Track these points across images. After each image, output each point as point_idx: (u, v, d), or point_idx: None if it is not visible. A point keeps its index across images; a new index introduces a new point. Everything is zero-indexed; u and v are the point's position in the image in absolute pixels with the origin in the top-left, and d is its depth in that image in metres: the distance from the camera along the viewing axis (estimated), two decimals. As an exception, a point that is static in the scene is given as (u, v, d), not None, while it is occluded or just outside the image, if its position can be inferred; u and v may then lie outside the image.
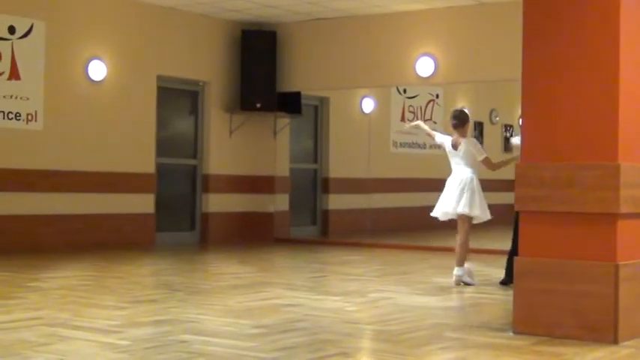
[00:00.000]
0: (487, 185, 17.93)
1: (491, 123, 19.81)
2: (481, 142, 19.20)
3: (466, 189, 9.01)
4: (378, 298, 7.81)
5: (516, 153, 8.58)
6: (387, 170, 16.61)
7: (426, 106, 17.86)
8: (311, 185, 15.64)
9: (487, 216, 9.07)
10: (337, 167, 15.69)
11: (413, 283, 9.05)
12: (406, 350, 5.49)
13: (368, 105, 16.29)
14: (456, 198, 9.03)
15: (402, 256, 12.04)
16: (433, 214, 9.30)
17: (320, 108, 15.61)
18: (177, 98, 13.91)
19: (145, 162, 12.93)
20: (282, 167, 14.71)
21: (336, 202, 15.64)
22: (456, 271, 8.88)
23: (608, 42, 5.86)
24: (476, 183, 9.07)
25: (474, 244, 9.74)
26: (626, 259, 5.83)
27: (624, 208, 5.80)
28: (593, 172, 5.85)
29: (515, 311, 6.10)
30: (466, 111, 9.43)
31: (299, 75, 14.20)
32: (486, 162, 9.09)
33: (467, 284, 8.82)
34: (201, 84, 13.92)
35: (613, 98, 5.83)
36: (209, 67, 13.88)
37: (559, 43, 6.05)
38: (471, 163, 9.12)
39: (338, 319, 6.60)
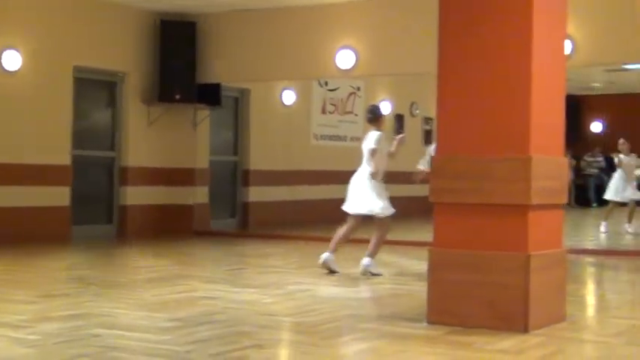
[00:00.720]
0: (405, 177, 18.10)
1: (412, 115, 20.00)
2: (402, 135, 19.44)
3: (365, 187, 9.07)
4: (296, 291, 7.81)
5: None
6: (307, 162, 16.62)
7: (347, 99, 17.93)
8: (231, 177, 15.56)
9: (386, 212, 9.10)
10: (257, 159, 15.64)
11: (331, 275, 9.06)
12: (321, 341, 5.51)
13: (289, 97, 16.27)
14: (360, 196, 9.07)
15: (322, 249, 12.00)
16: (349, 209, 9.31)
17: (240, 100, 15.53)
18: (95, 89, 13.69)
19: (61, 154, 12.69)
20: (201, 159, 14.61)
21: (257, 194, 15.60)
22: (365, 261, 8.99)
23: (521, 36, 5.94)
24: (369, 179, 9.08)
25: (390, 236, 9.80)
26: (536, 249, 5.93)
27: (535, 200, 5.90)
28: (506, 165, 5.93)
29: (429, 302, 6.16)
30: (379, 105, 9.53)
31: (219, 66, 14.10)
32: (371, 152, 9.12)
33: (373, 274, 8.88)
34: (119, 75, 13.72)
35: (525, 92, 5.92)
36: (127, 57, 13.69)
37: (473, 37, 6.12)
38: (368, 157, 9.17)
39: (254, 312, 6.59)
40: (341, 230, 9.17)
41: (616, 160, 15.31)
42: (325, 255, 9.09)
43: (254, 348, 5.25)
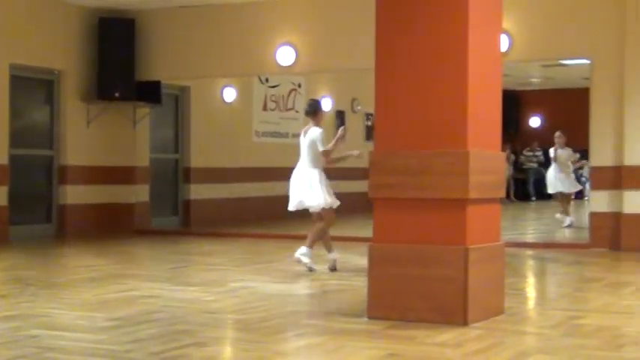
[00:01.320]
0: (344, 174, 18.18)
1: (353, 112, 20.06)
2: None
3: (308, 181, 9.07)
4: (238, 288, 7.80)
5: None
6: (249, 159, 16.58)
7: (288, 96, 17.92)
8: (172, 175, 15.45)
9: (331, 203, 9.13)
10: (199, 157, 15.55)
11: (273, 271, 9.08)
12: (262, 338, 5.51)
13: (229, 94, 16.21)
14: (305, 191, 9.05)
15: (264, 245, 12.05)
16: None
17: (180, 97, 15.43)
18: (32, 87, 13.49)
19: (-2, 153, 12.49)
20: (142, 157, 14.49)
21: (198, 192, 15.52)
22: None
23: (458, 33, 6.00)
24: (318, 174, 9.08)
25: (334, 232, 9.83)
26: (475, 243, 6.00)
27: (473, 194, 5.96)
28: (444, 160, 5.98)
29: (369, 297, 6.19)
30: (319, 100, 9.53)
31: (159, 64, 14.00)
32: (325, 154, 9.12)
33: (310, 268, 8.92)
34: (56, 73, 13.54)
35: (462, 88, 5.97)
36: (65, 55, 13.51)
37: (410, 33, 6.16)
38: (312, 153, 9.13)
39: (195, 310, 6.56)
40: (314, 228, 9.13)
41: (552, 153, 15.51)
42: (301, 250, 9.05)
43: (195, 346, 5.23)
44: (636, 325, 5.98)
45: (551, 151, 15.52)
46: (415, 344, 5.32)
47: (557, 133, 15.47)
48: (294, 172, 9.26)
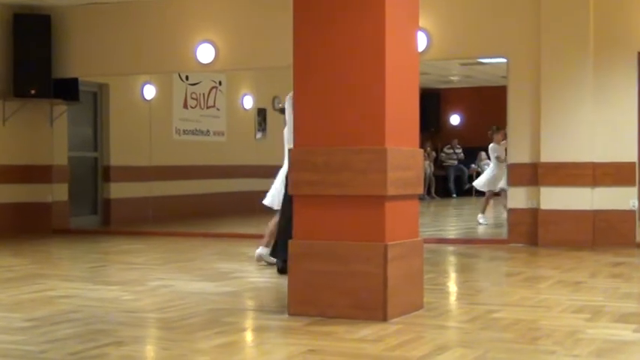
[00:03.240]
0: (265, 171, 18.13)
1: (274, 109, 20.01)
2: (263, 129, 19.50)
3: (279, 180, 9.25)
4: (157, 286, 7.73)
5: None
6: (169, 158, 16.44)
7: (209, 93, 17.82)
8: (91, 174, 15.23)
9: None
10: (118, 155, 15.36)
11: (194, 270, 9.02)
12: (181, 336, 5.47)
13: (149, 92, 16.05)
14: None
15: (185, 244, 11.97)
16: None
17: (99, 94, 15.22)
18: (-55, 84, 13.17)
19: None
20: (60, 156, 14.25)
21: (118, 190, 15.33)
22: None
23: (375, 30, 6.03)
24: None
25: (250, 230, 9.82)
26: (394, 239, 6.05)
27: (391, 191, 6.01)
28: (363, 157, 6.02)
29: (290, 293, 6.20)
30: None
31: (76, 61, 13.79)
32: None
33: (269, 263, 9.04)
34: (-30, 69, 13.25)
35: (380, 85, 6.01)
36: (-21, 51, 13.23)
37: (328, 30, 6.17)
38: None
39: (114, 309, 6.49)
40: (271, 223, 9.13)
41: (497, 151, 14.98)
42: (259, 250, 9.20)
43: (113, 345, 5.17)
44: (551, 319, 6.10)
45: (493, 147, 15.18)
46: (335, 340, 5.34)
47: (495, 127, 14.98)
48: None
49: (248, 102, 19.04)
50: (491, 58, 14.80)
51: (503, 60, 12.14)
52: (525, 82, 11.67)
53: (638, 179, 11.52)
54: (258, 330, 5.86)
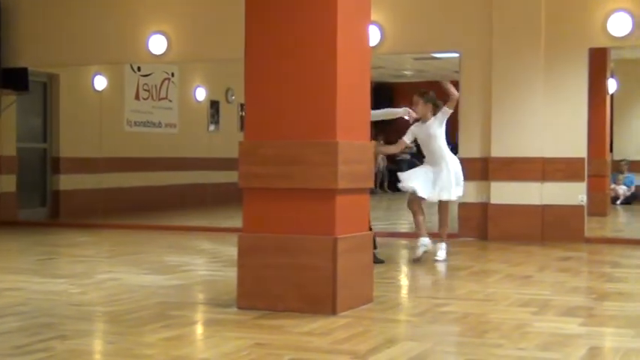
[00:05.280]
0: (222, 164, 18.08)
1: (228, 102, 19.94)
2: (216, 122, 19.41)
3: None
4: (105, 279, 7.65)
5: None
6: (120, 149, 16.28)
7: (161, 85, 17.68)
8: (40, 165, 15.03)
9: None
10: (68, 146, 15.16)
11: (143, 262, 8.94)
12: (128, 330, 5.42)
13: (100, 82, 15.86)
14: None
15: (135, 236, 11.87)
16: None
17: (49, 85, 15.01)
18: None
19: None
20: (8, 147, 14.04)
21: (67, 182, 15.13)
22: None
23: (326, 24, 6.01)
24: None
25: (201, 223, 9.77)
26: (343, 232, 6.04)
27: (342, 184, 6.00)
28: (313, 150, 6.01)
29: (239, 287, 6.17)
30: None
31: (25, 50, 13.58)
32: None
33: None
34: None
35: (331, 78, 6.00)
36: None
37: (280, 22, 6.15)
38: None
39: (61, 302, 6.42)
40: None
41: None
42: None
43: (58, 339, 5.11)
44: (499, 312, 6.14)
45: None
46: (283, 333, 5.32)
47: None
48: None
49: (201, 94, 18.92)
50: (443, 52, 14.88)
51: (456, 55, 12.19)
52: (477, 77, 11.74)
53: (587, 175, 11.66)
54: (206, 323, 5.83)
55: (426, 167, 9.25)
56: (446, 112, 9.12)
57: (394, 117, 9.67)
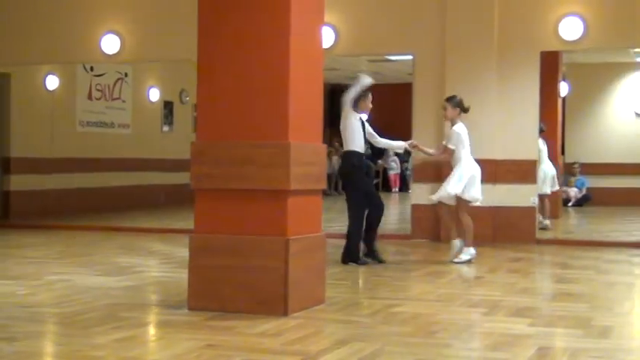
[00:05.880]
0: (171, 165, 17.94)
1: (182, 103, 19.84)
2: (170, 123, 19.31)
3: None
4: (55, 281, 7.58)
5: None
6: (72, 150, 16.11)
7: (114, 85, 17.53)
8: (-10, 165, 14.84)
9: None
10: (19, 147, 14.96)
11: (94, 264, 8.87)
12: (77, 332, 5.37)
13: (52, 82, 15.68)
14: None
15: (86, 238, 11.76)
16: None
17: (0, 84, 14.81)
18: None
19: None
20: (-43, 146, 13.85)
21: (18, 182, 14.93)
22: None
23: (279, 24, 6.02)
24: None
25: (153, 224, 9.71)
26: (295, 234, 6.05)
27: (294, 185, 6.00)
28: (266, 151, 6.01)
29: (190, 288, 6.14)
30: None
31: (-24, 49, 13.42)
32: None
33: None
34: None
35: (283, 80, 6.00)
36: None
37: (233, 23, 6.14)
38: None
39: (8, 304, 6.35)
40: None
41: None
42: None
43: (6, 341, 5.05)
44: (449, 313, 6.18)
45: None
46: (234, 335, 5.31)
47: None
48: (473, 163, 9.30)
49: (154, 94, 18.81)
50: (397, 55, 14.95)
51: (411, 57, 12.24)
52: (431, 80, 11.80)
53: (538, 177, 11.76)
54: (157, 325, 5.80)
55: (472, 171, 9.32)
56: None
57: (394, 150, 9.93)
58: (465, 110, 9.38)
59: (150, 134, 18.48)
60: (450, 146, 9.26)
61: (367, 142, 9.39)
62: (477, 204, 9.54)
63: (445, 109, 9.38)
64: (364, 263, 9.03)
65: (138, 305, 6.42)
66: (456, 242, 9.23)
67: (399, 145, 9.81)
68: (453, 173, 9.28)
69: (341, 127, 9.27)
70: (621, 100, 21.55)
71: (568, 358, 4.83)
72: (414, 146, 9.77)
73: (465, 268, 8.84)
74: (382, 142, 9.65)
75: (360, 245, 9.13)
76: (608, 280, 8.15)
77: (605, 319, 6.01)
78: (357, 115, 9.16)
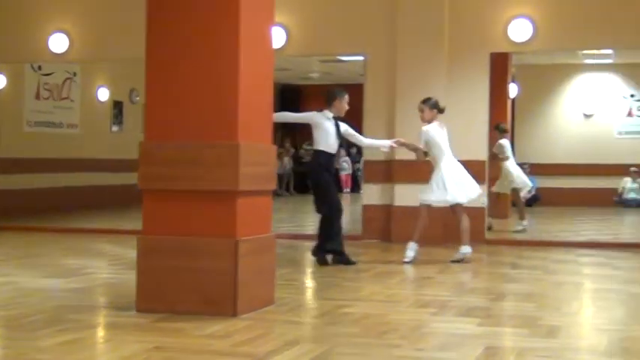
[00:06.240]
0: (120, 165, 17.73)
1: (132, 102, 19.69)
2: (120, 122, 19.14)
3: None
4: (1, 283, 7.45)
5: None
6: (20, 150, 15.87)
7: (63, 85, 17.34)
8: None
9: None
10: (-35, 147, 14.75)
11: (41, 266, 8.75)
12: (23, 334, 5.30)
13: (-1, 81, 15.46)
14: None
15: (34, 239, 11.60)
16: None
17: (-55, 83, 14.58)
18: None
19: None
20: None
21: (-36, 183, 14.72)
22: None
23: (229, 25, 5.98)
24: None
25: (102, 225, 9.61)
26: (245, 235, 6.02)
27: (244, 186, 5.97)
28: (215, 151, 5.97)
29: (138, 289, 6.09)
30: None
31: None
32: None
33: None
34: None
35: (233, 80, 5.97)
36: None
37: (182, 22, 6.10)
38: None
39: (-48, 307, 6.23)
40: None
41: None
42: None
43: (-52, 345, 4.96)
44: (399, 313, 6.19)
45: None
46: (183, 336, 5.27)
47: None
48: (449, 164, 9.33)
49: (103, 94, 18.64)
50: (349, 55, 14.96)
51: (362, 58, 12.26)
52: (382, 80, 11.82)
53: (488, 177, 11.84)
54: (105, 327, 5.74)
55: (448, 172, 9.41)
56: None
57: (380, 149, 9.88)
58: (440, 111, 9.49)
59: (99, 134, 18.30)
60: (420, 145, 9.36)
61: (342, 142, 9.39)
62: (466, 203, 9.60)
63: (422, 111, 9.46)
64: (325, 263, 9.02)
65: (85, 307, 6.34)
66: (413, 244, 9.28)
67: (385, 143, 9.80)
68: (440, 178, 9.33)
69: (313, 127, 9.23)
70: (570, 101, 21.83)
71: (515, 358, 4.86)
72: (402, 144, 9.73)
73: (409, 269, 8.88)
74: (366, 141, 9.83)
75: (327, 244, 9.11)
76: (556, 280, 8.23)
77: (553, 318, 6.07)
78: (330, 115, 9.15)
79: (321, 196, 9.12)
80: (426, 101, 9.49)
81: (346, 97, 9.25)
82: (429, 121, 9.39)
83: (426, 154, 9.45)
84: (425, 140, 9.35)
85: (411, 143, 9.66)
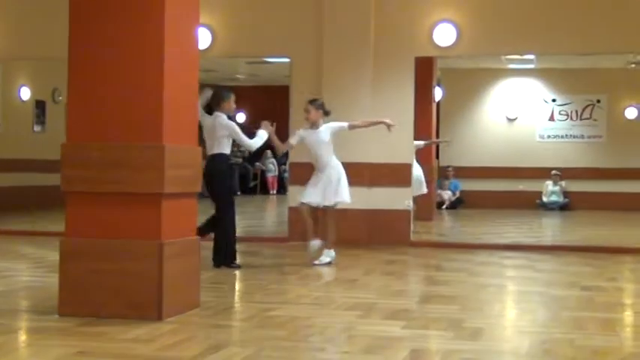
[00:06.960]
0: (43, 165, 17.46)
1: (55, 102, 19.36)
2: (43, 122, 18.82)
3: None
4: None
5: None
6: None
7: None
8: None
9: None
10: None
11: None
12: (-61, 340, 5.16)
13: None
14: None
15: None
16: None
17: None
18: None
19: None
20: None
21: None
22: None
23: (154, 25, 5.93)
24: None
25: (24, 227, 9.43)
26: (170, 237, 5.97)
27: (168, 188, 5.92)
28: (139, 153, 5.91)
29: (60, 293, 5.99)
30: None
31: None
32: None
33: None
34: None
35: (158, 81, 5.92)
36: None
37: (106, 21, 6.02)
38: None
39: None
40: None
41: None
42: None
43: None
44: (324, 316, 6.20)
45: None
46: (106, 341, 5.20)
47: None
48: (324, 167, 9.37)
49: (25, 93, 18.30)
50: (274, 57, 14.94)
51: (288, 60, 12.26)
52: (307, 83, 11.84)
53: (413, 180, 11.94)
54: (26, 331, 5.63)
55: (316, 176, 9.43)
56: (343, 128, 9.51)
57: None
58: (326, 113, 9.48)
59: (20, 134, 17.96)
60: (291, 142, 9.62)
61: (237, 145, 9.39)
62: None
63: (308, 111, 9.43)
64: (238, 267, 8.98)
65: (6, 311, 6.21)
66: (316, 243, 9.30)
67: (261, 134, 9.43)
68: (336, 179, 9.31)
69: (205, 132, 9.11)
70: (494, 105, 22.16)
71: (440, 360, 4.91)
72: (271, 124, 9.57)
73: (326, 269, 8.92)
74: (248, 142, 9.35)
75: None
76: (479, 282, 8.33)
77: (476, 321, 6.14)
78: (224, 117, 9.10)
79: (228, 198, 9.14)
80: (312, 102, 9.51)
81: (233, 97, 9.30)
82: (315, 122, 9.39)
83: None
84: (297, 141, 9.48)
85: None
